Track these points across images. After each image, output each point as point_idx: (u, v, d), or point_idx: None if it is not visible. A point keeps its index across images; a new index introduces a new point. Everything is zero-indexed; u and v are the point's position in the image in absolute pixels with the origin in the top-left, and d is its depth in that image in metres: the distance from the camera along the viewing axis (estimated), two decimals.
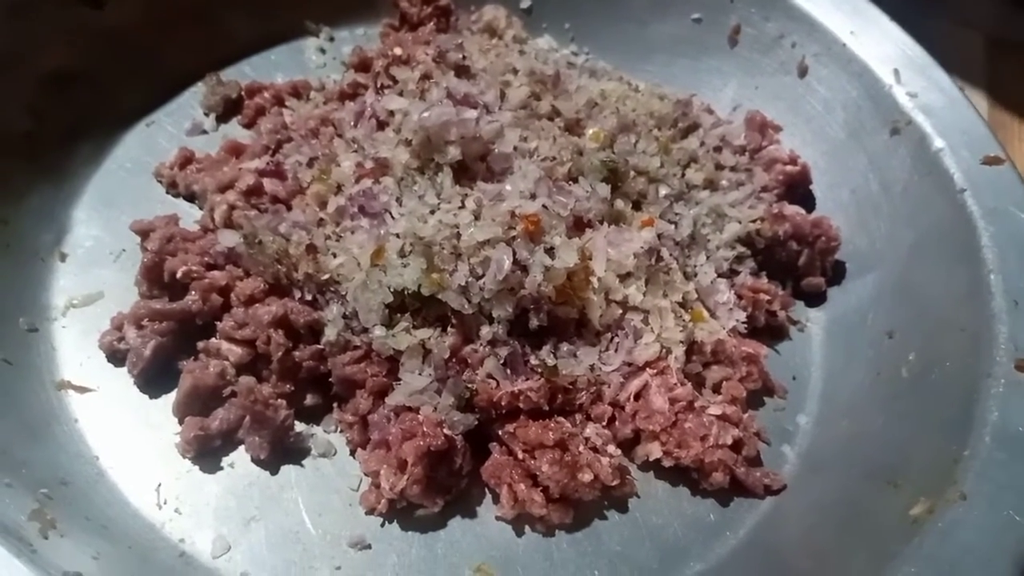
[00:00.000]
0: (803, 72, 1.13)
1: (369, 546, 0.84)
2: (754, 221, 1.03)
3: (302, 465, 0.89)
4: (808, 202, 1.10)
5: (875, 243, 1.03)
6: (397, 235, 0.89)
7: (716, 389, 0.94)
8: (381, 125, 1.02)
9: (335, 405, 0.92)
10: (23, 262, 0.96)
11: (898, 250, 1.00)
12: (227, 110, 1.14)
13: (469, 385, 0.86)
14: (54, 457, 0.84)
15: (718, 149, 1.10)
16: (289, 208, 0.97)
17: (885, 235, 1.02)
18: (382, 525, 0.86)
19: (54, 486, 0.79)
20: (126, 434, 0.88)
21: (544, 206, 0.91)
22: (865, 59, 1.08)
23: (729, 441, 0.89)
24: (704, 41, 1.21)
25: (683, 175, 1.05)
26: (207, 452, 0.87)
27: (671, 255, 0.97)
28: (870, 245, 1.04)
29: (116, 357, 0.92)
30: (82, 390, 0.90)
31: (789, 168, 1.08)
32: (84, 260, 0.99)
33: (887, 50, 1.08)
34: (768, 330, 1.02)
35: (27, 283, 0.95)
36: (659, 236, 0.95)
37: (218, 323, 0.92)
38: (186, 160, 1.06)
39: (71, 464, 0.84)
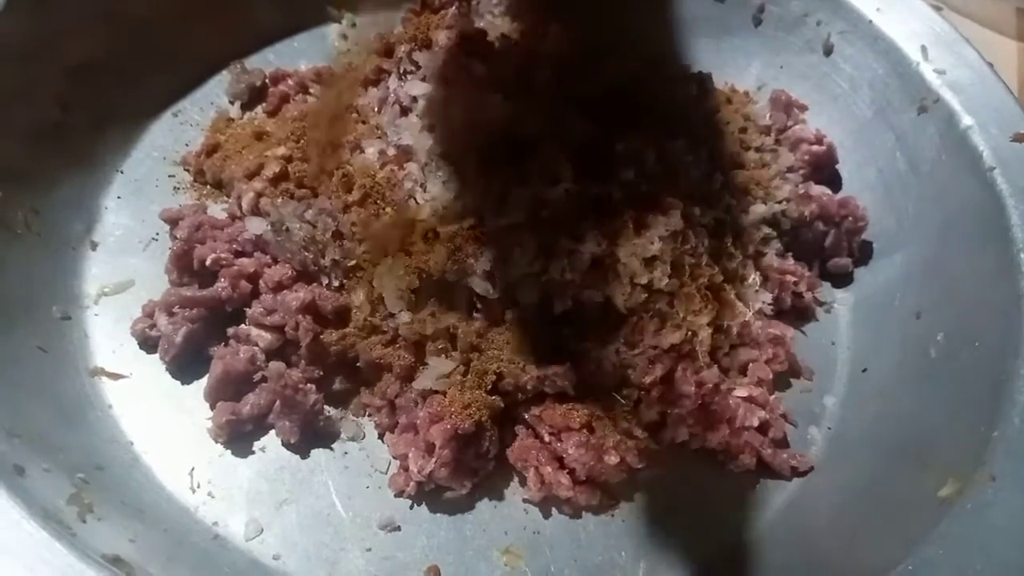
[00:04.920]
0: (828, 50, 1.12)
1: (399, 528, 0.85)
2: (780, 202, 1.03)
3: (332, 449, 0.90)
4: (834, 182, 1.09)
5: (902, 223, 1.02)
6: (422, 221, 0.90)
7: (742, 371, 0.94)
8: (404, 111, 1.02)
9: (363, 389, 0.93)
10: (55, 251, 0.97)
11: (926, 229, 0.99)
12: (252, 98, 1.15)
13: (495, 369, 0.87)
14: (89, 443, 0.85)
15: (743, 129, 1.09)
16: (315, 195, 0.97)
17: (913, 214, 1.01)
18: (411, 507, 0.87)
19: (90, 471, 0.80)
20: (159, 419, 0.89)
21: (567, 190, 0.91)
22: (892, 36, 1.06)
23: (756, 423, 0.89)
24: (728, 20, 1.19)
25: (708, 156, 1.04)
26: (239, 436, 0.89)
27: (696, 237, 0.96)
28: (897, 225, 1.03)
29: (148, 344, 0.93)
30: (115, 376, 0.91)
31: (815, 148, 1.08)
32: (115, 248, 1.00)
33: (914, 27, 1.06)
34: (795, 311, 1.01)
35: (59, 272, 0.96)
36: (685, 218, 0.95)
37: (247, 309, 0.93)
38: (212, 148, 1.07)
39: (106, 449, 0.86)
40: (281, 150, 1.01)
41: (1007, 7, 1.33)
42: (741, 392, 0.90)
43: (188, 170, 1.08)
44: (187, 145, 1.09)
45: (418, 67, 1.06)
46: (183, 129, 1.11)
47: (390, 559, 0.84)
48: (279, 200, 0.96)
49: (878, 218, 1.04)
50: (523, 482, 0.88)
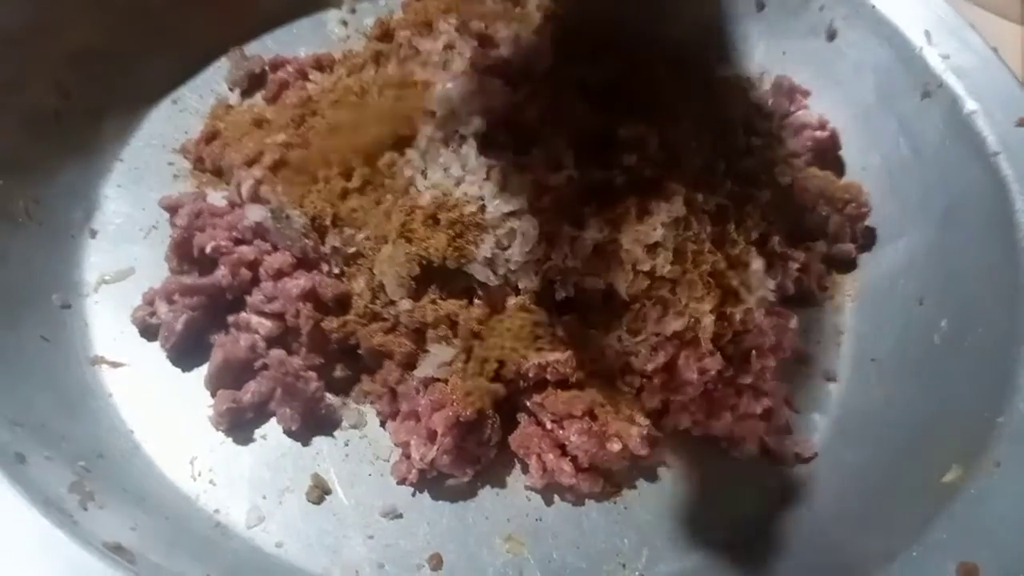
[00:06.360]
0: (832, 35, 1.11)
1: (401, 515, 0.85)
2: (783, 188, 1.02)
3: (333, 436, 0.90)
4: (838, 168, 1.09)
5: (906, 209, 1.01)
6: (422, 207, 0.89)
7: (745, 358, 0.93)
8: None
9: (364, 377, 0.92)
10: (54, 239, 0.97)
11: (929, 216, 0.98)
12: (251, 85, 1.14)
13: (496, 356, 0.87)
14: (90, 431, 0.85)
15: (746, 115, 1.08)
16: (315, 181, 0.97)
17: (916, 200, 1.01)
18: (413, 495, 0.87)
19: (91, 459, 0.80)
20: (160, 408, 0.89)
21: (570, 176, 0.91)
22: (895, 21, 1.05)
23: (759, 410, 0.89)
24: (730, 5, 1.18)
25: (711, 141, 1.04)
26: (240, 424, 0.89)
27: (699, 224, 0.96)
28: (901, 210, 1.02)
29: (148, 332, 0.93)
30: (116, 365, 0.91)
31: (818, 134, 1.07)
32: (114, 236, 1.00)
33: (918, 11, 1.05)
34: (798, 298, 1.01)
35: (59, 260, 0.96)
36: (687, 204, 0.94)
37: (248, 297, 0.92)
38: (212, 135, 1.06)
39: (107, 437, 0.86)
40: (281, 137, 1.00)
41: None
42: (744, 379, 0.90)
43: (187, 157, 1.07)
44: (186, 132, 1.09)
45: (418, 53, 1.05)
46: (182, 116, 1.11)
47: (392, 547, 0.84)
48: (279, 187, 0.95)
49: (881, 204, 1.04)
50: (525, 469, 0.88)
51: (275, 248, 0.95)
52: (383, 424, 0.91)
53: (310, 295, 0.90)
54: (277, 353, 0.89)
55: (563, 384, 0.88)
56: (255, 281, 0.94)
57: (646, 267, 0.90)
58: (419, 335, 0.89)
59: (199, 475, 0.86)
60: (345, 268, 0.92)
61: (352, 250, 0.91)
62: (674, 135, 1.00)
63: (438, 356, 0.87)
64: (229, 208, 0.99)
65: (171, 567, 0.73)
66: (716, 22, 1.18)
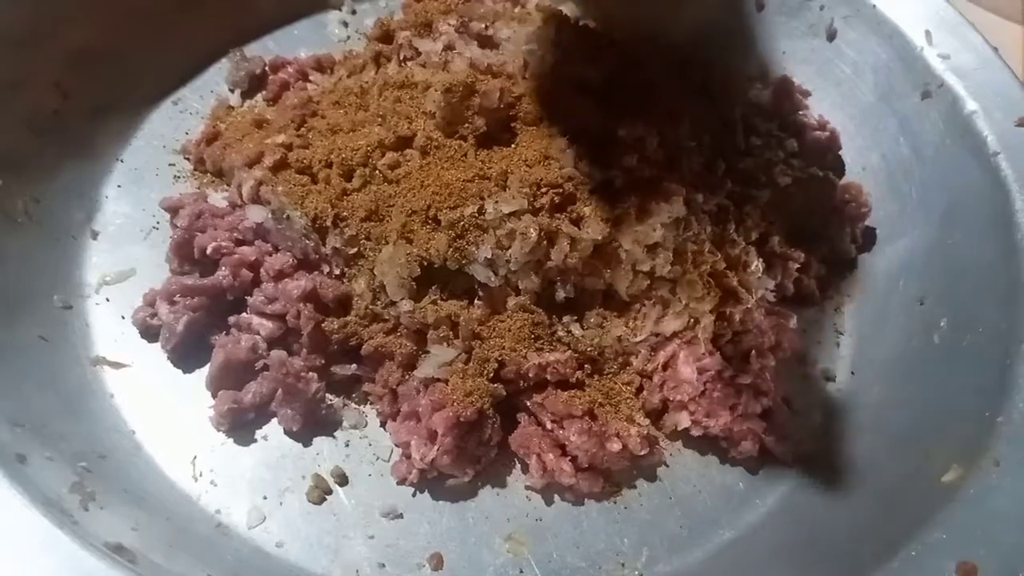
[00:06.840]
0: (832, 35, 1.11)
1: (401, 515, 0.85)
2: (783, 188, 1.02)
3: (334, 437, 0.90)
4: (838, 168, 1.09)
5: (906, 208, 1.02)
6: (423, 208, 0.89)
7: (745, 358, 0.94)
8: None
9: (365, 377, 0.93)
10: (55, 240, 0.97)
11: (930, 215, 0.98)
12: (252, 86, 1.14)
13: (497, 357, 0.87)
14: (92, 431, 0.85)
15: (746, 115, 1.08)
16: (316, 182, 0.97)
17: (916, 200, 1.01)
18: (413, 495, 0.87)
19: (92, 459, 0.80)
20: (161, 408, 0.89)
21: (570, 176, 0.91)
22: (895, 21, 1.05)
23: (758, 410, 0.89)
24: (730, 5, 1.18)
25: (711, 142, 1.04)
26: (241, 425, 0.89)
27: (699, 224, 0.96)
28: (901, 210, 1.02)
29: (149, 333, 0.93)
30: (117, 366, 0.91)
31: (818, 134, 1.07)
32: (115, 237, 1.00)
33: (918, 11, 1.05)
34: (797, 298, 1.01)
35: (60, 261, 0.96)
36: (687, 205, 0.95)
37: (248, 298, 0.93)
38: (212, 136, 1.06)
39: (108, 438, 0.86)
40: (281, 138, 1.00)
41: None
42: (743, 379, 0.90)
43: (188, 158, 1.07)
44: (187, 133, 1.09)
45: (418, 53, 1.06)
46: (183, 117, 1.11)
47: (393, 547, 0.84)
48: (279, 188, 0.95)
49: (881, 204, 1.04)
50: (525, 469, 0.88)
51: (276, 249, 0.95)
52: (383, 424, 0.91)
53: (311, 296, 0.90)
54: (278, 354, 0.89)
55: (563, 384, 0.88)
56: (256, 282, 0.94)
57: (646, 267, 0.90)
58: (420, 336, 0.89)
59: (200, 475, 0.86)
60: (346, 269, 0.93)
61: (353, 251, 0.91)
62: (674, 135, 1.00)
63: (439, 356, 0.87)
64: (230, 209, 0.99)
65: (172, 567, 0.73)
66: (716, 22, 1.18)
